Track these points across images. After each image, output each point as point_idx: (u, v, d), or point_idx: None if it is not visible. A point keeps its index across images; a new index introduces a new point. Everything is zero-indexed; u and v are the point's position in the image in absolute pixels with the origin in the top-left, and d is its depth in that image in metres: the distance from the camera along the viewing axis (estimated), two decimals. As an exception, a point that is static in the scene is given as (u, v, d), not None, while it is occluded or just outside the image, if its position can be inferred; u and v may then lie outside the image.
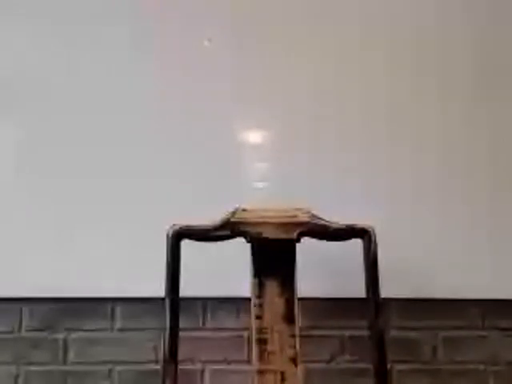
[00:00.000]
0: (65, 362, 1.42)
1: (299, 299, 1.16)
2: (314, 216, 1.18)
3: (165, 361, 1.11)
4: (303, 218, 1.17)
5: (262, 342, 1.14)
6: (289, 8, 1.47)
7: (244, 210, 1.18)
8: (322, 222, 1.18)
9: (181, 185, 1.43)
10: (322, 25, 1.47)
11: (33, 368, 1.42)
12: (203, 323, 1.42)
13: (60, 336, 1.43)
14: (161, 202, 1.41)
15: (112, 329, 1.43)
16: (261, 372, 1.12)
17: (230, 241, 1.18)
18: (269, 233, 1.17)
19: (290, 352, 1.13)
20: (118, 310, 1.43)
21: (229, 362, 1.41)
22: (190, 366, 1.41)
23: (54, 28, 1.47)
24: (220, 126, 1.45)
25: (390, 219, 1.39)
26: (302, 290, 1.17)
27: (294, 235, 1.17)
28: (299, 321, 1.16)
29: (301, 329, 1.16)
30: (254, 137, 1.47)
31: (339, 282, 1.38)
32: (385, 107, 1.46)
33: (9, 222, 1.41)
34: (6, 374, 1.41)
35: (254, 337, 1.14)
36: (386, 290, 1.18)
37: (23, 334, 1.43)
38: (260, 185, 1.45)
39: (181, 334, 1.14)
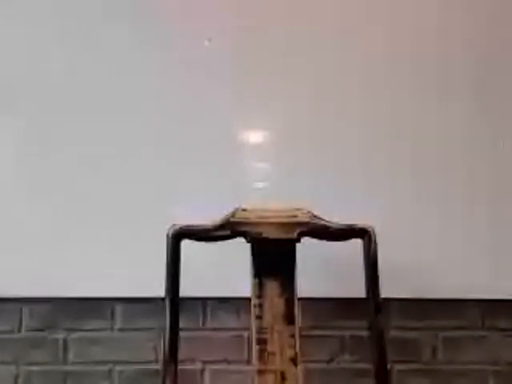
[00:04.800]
0: (65, 362, 1.42)
1: (299, 299, 1.16)
2: (314, 216, 1.18)
3: (165, 361, 1.11)
4: (303, 218, 1.17)
5: (262, 341, 1.14)
6: (289, 8, 1.47)
7: (244, 210, 1.18)
8: (322, 222, 1.18)
9: (181, 185, 1.43)
10: (323, 24, 1.47)
11: (33, 368, 1.42)
12: (203, 323, 1.42)
13: (60, 336, 1.43)
14: (161, 201, 1.41)
15: (112, 329, 1.43)
16: (261, 372, 1.12)
17: (230, 241, 1.18)
18: (269, 233, 1.17)
19: (289, 352, 1.13)
20: (118, 309, 1.43)
21: (229, 362, 1.41)
22: (189, 366, 1.41)
23: (54, 27, 1.47)
24: (220, 125, 1.45)
25: (390, 219, 1.39)
26: (302, 289, 1.17)
27: (294, 235, 1.17)
28: (299, 321, 1.16)
29: (301, 329, 1.16)
30: (254, 137, 1.47)
31: (339, 282, 1.38)
32: (385, 107, 1.46)
33: (9, 222, 1.41)
34: (6, 374, 1.41)
35: (254, 337, 1.14)
36: (386, 290, 1.18)
37: (23, 333, 1.43)
38: (260, 185, 1.45)
39: (181, 333, 1.14)
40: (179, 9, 1.47)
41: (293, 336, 1.14)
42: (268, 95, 1.46)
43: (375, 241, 1.17)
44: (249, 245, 1.17)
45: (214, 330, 1.42)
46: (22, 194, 1.43)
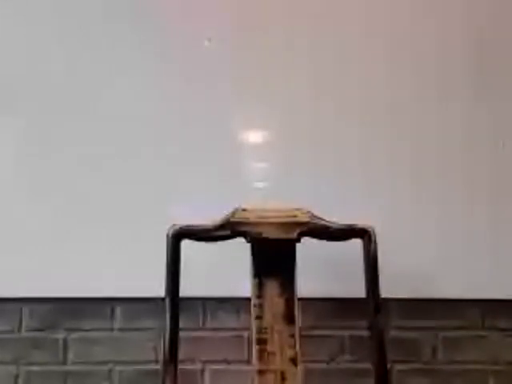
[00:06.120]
0: (65, 362, 1.42)
1: (299, 299, 1.16)
2: (314, 216, 1.18)
3: (165, 361, 1.11)
4: (303, 218, 1.17)
5: (262, 341, 1.14)
6: (289, 7, 1.47)
7: (244, 210, 1.18)
8: (322, 222, 1.18)
9: (181, 185, 1.43)
10: (322, 24, 1.47)
11: (33, 368, 1.42)
12: (203, 323, 1.42)
13: (60, 336, 1.43)
14: (161, 201, 1.41)
15: (112, 329, 1.43)
16: (261, 372, 1.12)
17: (230, 241, 1.18)
18: (269, 233, 1.17)
19: (290, 352, 1.13)
20: (118, 309, 1.43)
21: (229, 362, 1.41)
22: (189, 366, 1.41)
23: (54, 27, 1.47)
24: (220, 125, 1.45)
25: (390, 219, 1.39)
26: (302, 289, 1.17)
27: (294, 235, 1.17)
28: (299, 321, 1.16)
29: (301, 329, 1.16)
30: (254, 137, 1.47)
31: (339, 282, 1.38)
32: (385, 107, 1.46)
33: (8, 222, 1.41)
34: (6, 374, 1.41)
35: (254, 337, 1.14)
36: (386, 290, 1.18)
37: (23, 334, 1.43)
38: (260, 185, 1.45)
39: (181, 334, 1.14)
40: (179, 9, 1.47)
41: (293, 336, 1.14)
42: (268, 95, 1.46)
43: (375, 241, 1.17)
44: (249, 245, 1.17)
45: (214, 329, 1.42)
46: (22, 194, 1.43)
